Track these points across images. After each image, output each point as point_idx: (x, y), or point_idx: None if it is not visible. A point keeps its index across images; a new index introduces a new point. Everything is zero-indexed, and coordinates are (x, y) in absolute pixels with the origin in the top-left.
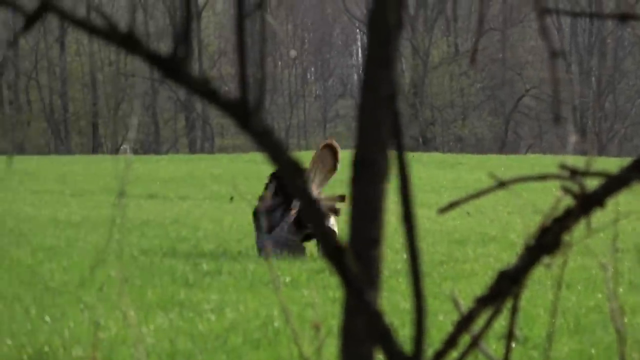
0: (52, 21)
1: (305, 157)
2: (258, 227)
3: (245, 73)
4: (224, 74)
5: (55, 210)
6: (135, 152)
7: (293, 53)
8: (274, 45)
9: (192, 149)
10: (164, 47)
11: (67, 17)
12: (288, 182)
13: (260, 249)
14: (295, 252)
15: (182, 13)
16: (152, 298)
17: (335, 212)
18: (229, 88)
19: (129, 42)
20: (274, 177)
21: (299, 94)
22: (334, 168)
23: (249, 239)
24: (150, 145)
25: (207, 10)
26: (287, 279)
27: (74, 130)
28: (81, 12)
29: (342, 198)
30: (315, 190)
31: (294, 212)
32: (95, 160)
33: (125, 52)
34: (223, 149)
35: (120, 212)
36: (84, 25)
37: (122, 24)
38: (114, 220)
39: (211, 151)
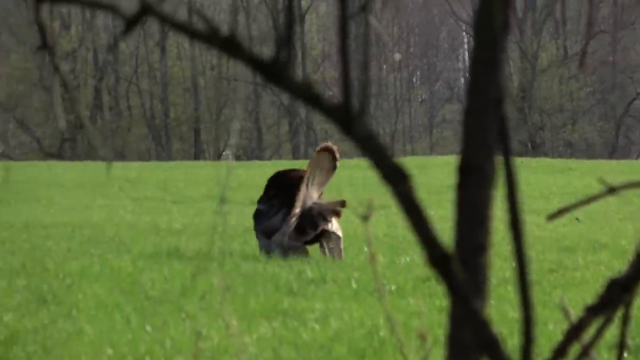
0: (153, 25)
1: (410, 163)
2: (258, 230)
3: (348, 77)
4: (327, 77)
5: (156, 217)
6: (237, 158)
7: (398, 56)
8: (378, 48)
9: (295, 155)
10: (266, 50)
11: (167, 21)
12: (286, 185)
13: (267, 251)
14: (298, 254)
15: (285, 16)
16: (255, 307)
17: (337, 214)
18: (333, 92)
19: (230, 45)
20: (272, 180)
21: (404, 98)
22: (333, 168)
23: (354, 246)
24: (252, 151)
25: (311, 12)
26: (393, 287)
27: (175, 135)
28: (182, 15)
29: (342, 203)
30: (315, 193)
31: (293, 220)
32: (196, 166)
33: (226, 56)
34: None
35: (222, 219)
36: (185, 28)
37: (224, 28)
38: (215, 228)
39: None
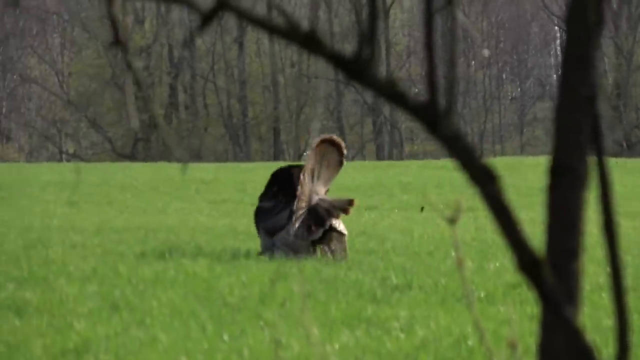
0: (230, 20)
1: (499, 164)
2: (260, 228)
3: (434, 74)
4: (413, 74)
5: (234, 220)
6: None
7: (486, 52)
8: (466, 44)
9: (379, 156)
10: (348, 47)
11: (244, 16)
12: (291, 182)
13: (265, 251)
14: (303, 254)
15: (368, 10)
16: (336, 314)
17: (345, 211)
18: (418, 90)
19: (310, 42)
20: (275, 177)
21: (493, 96)
22: (340, 163)
23: (441, 251)
24: None
25: (395, 7)
26: (482, 294)
27: (253, 135)
28: (260, 10)
29: (351, 202)
30: (322, 189)
31: (299, 214)
32: (276, 167)
33: (307, 53)
34: (413, 156)
35: None
36: (263, 24)
37: (304, 23)
38: None
39: (400, 158)
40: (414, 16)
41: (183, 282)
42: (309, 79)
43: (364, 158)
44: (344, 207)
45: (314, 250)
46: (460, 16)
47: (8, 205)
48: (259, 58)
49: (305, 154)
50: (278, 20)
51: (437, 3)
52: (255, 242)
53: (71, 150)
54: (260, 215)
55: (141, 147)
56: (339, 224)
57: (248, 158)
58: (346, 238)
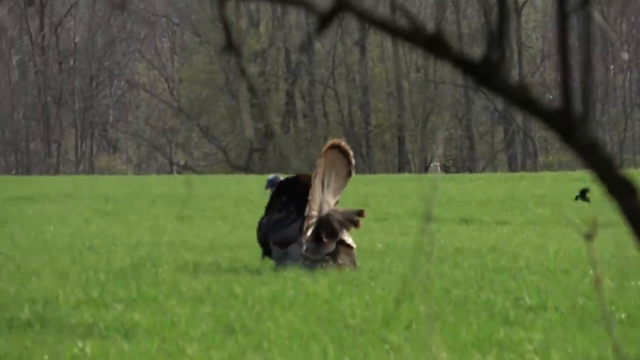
0: (351, 22)
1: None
2: (265, 241)
3: (569, 79)
4: (547, 79)
5: (356, 236)
6: (446, 170)
7: (626, 55)
8: (603, 46)
9: (511, 167)
10: (477, 50)
11: (365, 17)
12: (302, 193)
13: (276, 262)
14: (316, 266)
15: (498, 11)
16: (466, 337)
17: (355, 224)
18: (552, 96)
19: (435, 44)
20: (282, 186)
21: (634, 102)
22: (349, 174)
23: (578, 269)
24: (463, 162)
25: (528, 6)
26: (623, 316)
27: (376, 145)
28: (383, 11)
29: (360, 213)
30: (332, 200)
31: (310, 223)
32: (400, 179)
33: (432, 57)
34: (547, 166)
35: (429, 238)
36: (385, 25)
37: (430, 25)
38: (422, 248)
39: (534, 169)
40: (548, 17)
41: (302, 303)
42: (435, 84)
43: (494, 169)
44: (354, 219)
45: (327, 264)
46: (597, 16)
47: (116, 220)
48: (382, 62)
49: (432, 165)
50: (401, 21)
51: (571, 3)
52: (377, 260)
53: (182, 162)
54: (272, 227)
55: (256, 157)
56: (347, 237)
57: (371, 169)
58: (355, 251)
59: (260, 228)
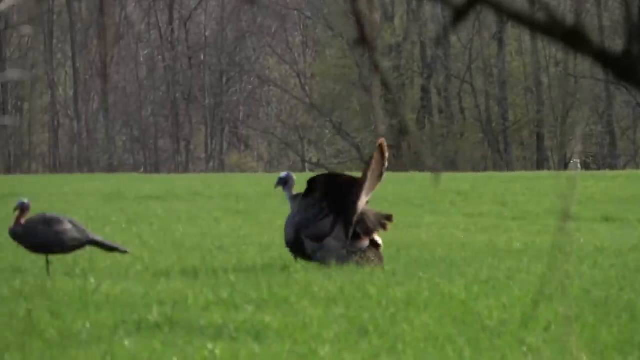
0: (488, 15)
1: None
2: (296, 238)
3: None
4: None
5: (493, 236)
6: (586, 167)
7: None
8: None
9: None
10: (619, 43)
11: (502, 10)
12: (336, 190)
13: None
14: (347, 260)
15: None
16: (607, 339)
17: (384, 227)
18: None
19: (574, 38)
20: (316, 183)
21: None
22: (380, 175)
23: None
24: (604, 159)
25: None
26: None
27: (514, 142)
28: (520, 3)
29: (389, 217)
30: (364, 198)
31: (354, 222)
32: (539, 177)
33: (571, 50)
34: None
35: (567, 237)
36: (523, 19)
37: (569, 17)
38: (560, 248)
39: None
40: None
41: (438, 304)
42: (575, 78)
43: (637, 166)
44: (383, 222)
45: (360, 258)
46: None
47: (247, 219)
48: (520, 56)
49: (572, 161)
50: (539, 14)
51: None
52: (514, 261)
53: (314, 159)
54: (301, 224)
55: (391, 155)
56: (377, 236)
57: (509, 167)
58: (381, 249)
59: (289, 226)
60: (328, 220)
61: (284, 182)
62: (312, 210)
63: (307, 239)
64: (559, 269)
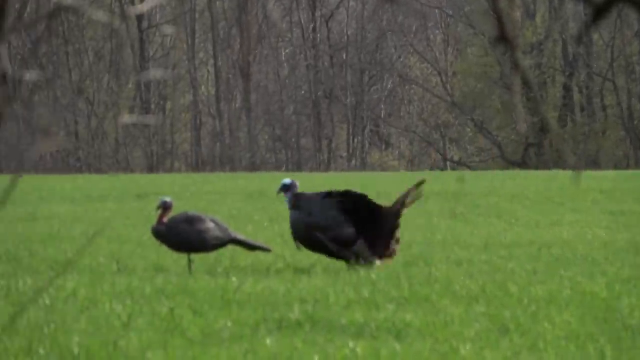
0: (630, 12)
1: None
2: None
3: None
4: None
5: (635, 234)
6: None
7: None
8: None
9: None
10: None
11: None
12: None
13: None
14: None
15: None
16: None
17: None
18: None
19: None
20: (348, 196)
21: None
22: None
23: None
24: None
25: None
26: None
27: None
28: None
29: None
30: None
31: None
32: None
33: None
34: None
35: None
36: None
37: None
38: None
39: None
40: None
41: (579, 303)
42: None
43: None
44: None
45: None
46: None
47: None
48: None
49: None
50: None
51: None
52: None
53: (456, 157)
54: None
55: (532, 153)
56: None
57: None
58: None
59: (300, 224)
60: (351, 229)
61: (286, 189)
62: (331, 212)
63: (331, 241)
64: None
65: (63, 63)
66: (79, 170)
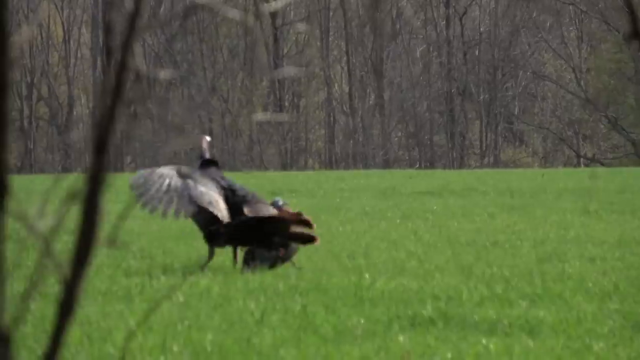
0: None
1: None
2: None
3: None
4: None
5: None
6: None
7: None
8: None
9: None
10: None
11: None
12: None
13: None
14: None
15: None
16: None
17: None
18: None
19: None
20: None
21: None
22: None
23: None
24: None
25: None
26: None
27: None
28: None
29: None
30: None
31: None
32: None
33: None
34: None
35: None
36: None
37: None
38: None
39: None
40: None
41: None
42: None
43: None
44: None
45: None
46: None
47: (522, 214)
48: None
49: None
50: None
51: None
52: None
53: (589, 154)
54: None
55: None
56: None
57: None
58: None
59: None
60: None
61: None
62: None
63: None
64: None
65: (197, 61)
66: None
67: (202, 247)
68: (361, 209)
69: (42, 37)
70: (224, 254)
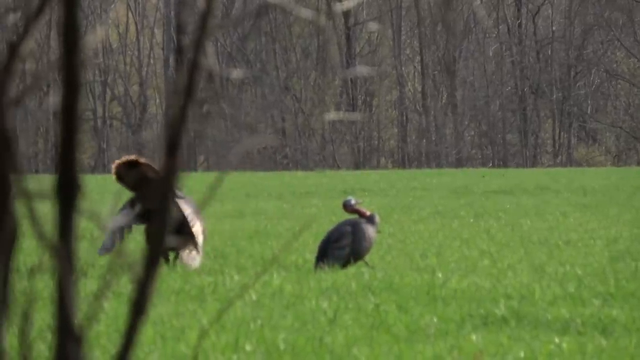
0: None
1: None
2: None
3: None
4: None
5: None
6: None
7: None
8: None
9: None
10: None
11: None
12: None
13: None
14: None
15: None
16: None
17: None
18: None
19: None
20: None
21: None
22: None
23: None
24: None
25: None
26: None
27: None
28: None
29: None
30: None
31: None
32: None
33: None
34: None
35: None
36: None
37: None
38: None
39: None
40: None
41: None
42: None
43: None
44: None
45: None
46: None
47: (594, 213)
48: None
49: None
50: None
51: None
52: None
53: None
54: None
55: None
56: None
57: None
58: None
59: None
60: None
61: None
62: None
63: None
64: None
65: (270, 60)
66: (286, 167)
67: (277, 246)
68: (433, 207)
69: (118, 37)
70: (297, 253)
